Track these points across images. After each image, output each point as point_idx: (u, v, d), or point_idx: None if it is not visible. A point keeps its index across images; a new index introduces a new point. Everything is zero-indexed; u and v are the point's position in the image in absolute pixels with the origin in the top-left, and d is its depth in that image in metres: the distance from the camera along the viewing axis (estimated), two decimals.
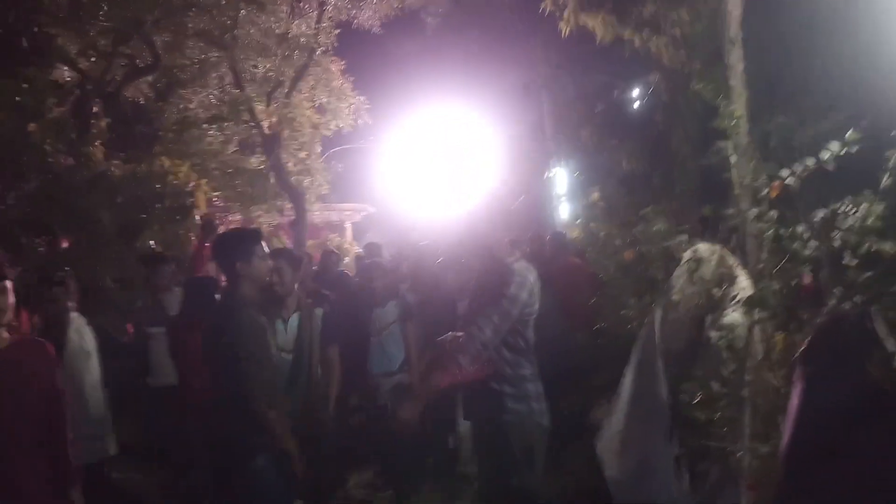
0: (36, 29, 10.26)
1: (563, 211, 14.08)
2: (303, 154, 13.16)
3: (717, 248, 3.60)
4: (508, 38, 15.92)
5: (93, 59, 10.82)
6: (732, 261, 3.53)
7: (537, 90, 15.54)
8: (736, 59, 5.13)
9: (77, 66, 10.75)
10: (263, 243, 3.47)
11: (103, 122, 8.24)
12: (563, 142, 9.07)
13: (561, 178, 13.58)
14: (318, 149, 13.74)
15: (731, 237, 4.81)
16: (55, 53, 10.50)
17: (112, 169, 7.51)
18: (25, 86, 7.73)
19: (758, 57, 5.33)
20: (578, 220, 7.41)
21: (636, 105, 7.71)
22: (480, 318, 3.13)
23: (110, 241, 7.09)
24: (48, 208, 7.10)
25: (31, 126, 6.75)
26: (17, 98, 6.99)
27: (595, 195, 7.17)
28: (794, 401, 2.01)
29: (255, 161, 13.09)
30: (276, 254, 4.36)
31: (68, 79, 10.85)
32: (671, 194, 6.02)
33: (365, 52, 15.34)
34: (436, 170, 18.04)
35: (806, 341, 2.04)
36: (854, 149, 2.67)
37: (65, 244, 7.37)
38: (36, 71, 7.49)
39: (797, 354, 2.09)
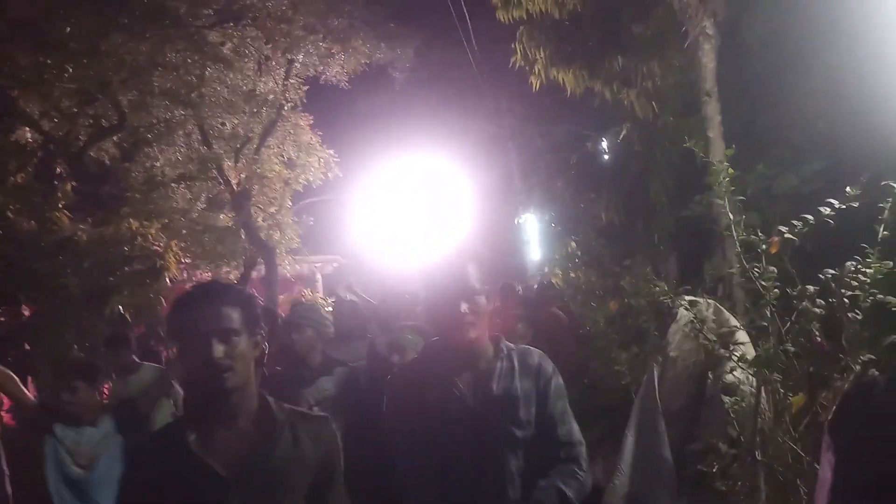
0: None
1: (534, 255, 14.14)
2: (273, 209, 13.03)
3: (712, 302, 3.56)
4: (475, 91, 16.17)
5: (56, 120, 10.64)
6: (728, 315, 3.48)
7: (504, 141, 15.73)
8: (713, 112, 5.21)
9: (40, 128, 10.54)
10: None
11: (68, 185, 8.02)
12: (536, 191, 9.10)
13: (530, 225, 13.66)
14: (288, 203, 13.62)
15: (717, 288, 4.80)
16: (17, 115, 10.30)
17: (78, 233, 7.28)
18: None
19: (731, 107, 5.43)
20: (556, 270, 7.38)
21: (607, 156, 7.78)
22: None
23: (77, 307, 6.84)
24: (11, 275, 6.85)
25: None
26: None
27: (572, 244, 7.16)
28: (826, 474, 1.92)
29: (225, 218, 12.90)
30: None
31: (30, 140, 10.64)
32: (651, 244, 6.02)
33: (333, 106, 15.42)
34: (406, 219, 18.08)
35: (833, 410, 1.96)
36: (856, 204, 2.65)
37: (27, 312, 7.09)
38: (5, 140, 7.30)
39: (825, 423, 2.00)
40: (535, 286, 7.28)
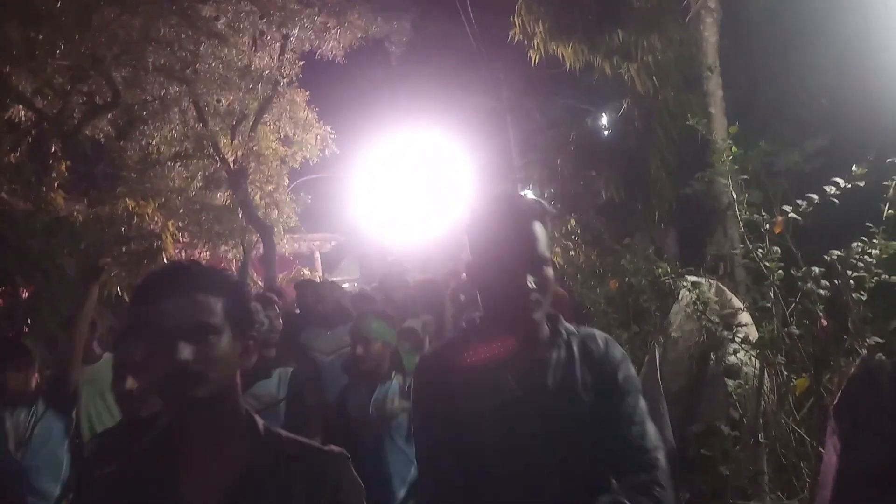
0: None
1: None
2: (270, 187, 12.94)
3: (714, 283, 3.52)
4: (472, 65, 15.99)
5: (49, 97, 10.51)
6: (730, 296, 3.45)
7: (502, 115, 15.60)
8: (715, 86, 5.13)
9: (33, 105, 10.42)
10: None
11: (63, 165, 7.94)
12: (535, 168, 9.02)
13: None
14: (286, 181, 13.53)
15: (718, 267, 4.76)
16: (10, 92, 10.17)
17: (74, 213, 7.22)
18: None
19: (733, 82, 5.35)
20: (556, 248, 7.33)
21: (607, 132, 7.69)
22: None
23: (73, 288, 6.79)
24: (6, 255, 6.81)
25: None
26: None
27: (572, 222, 7.11)
28: (831, 458, 1.90)
29: (222, 196, 12.82)
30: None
31: (23, 118, 10.52)
32: (651, 222, 5.97)
33: (329, 81, 15.26)
34: (405, 195, 18.01)
35: (838, 394, 1.93)
36: (861, 183, 2.60)
37: (25, 294, 7.06)
38: None
39: (831, 408, 1.97)
40: None
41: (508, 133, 16.34)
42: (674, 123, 5.91)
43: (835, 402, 1.94)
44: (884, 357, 1.81)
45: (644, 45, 6.24)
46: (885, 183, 2.91)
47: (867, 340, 2.20)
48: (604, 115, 8.77)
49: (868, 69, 4.56)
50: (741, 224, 2.93)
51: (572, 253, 6.52)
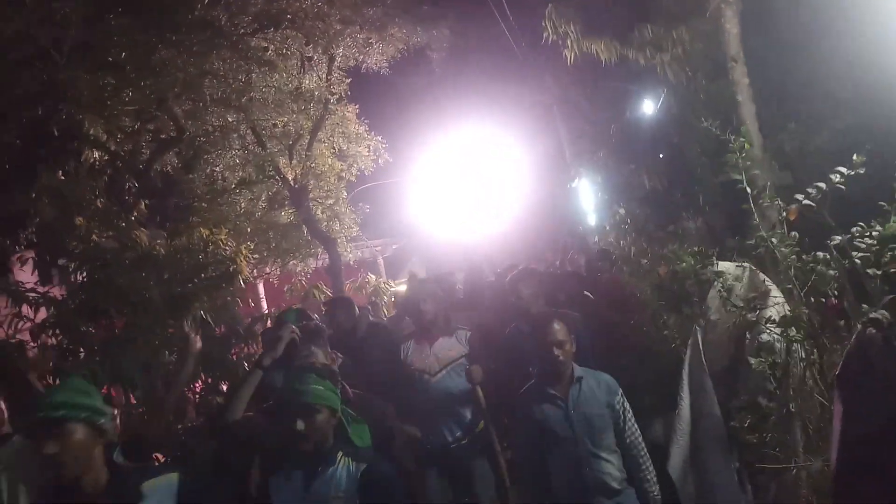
0: (64, 116, 10.74)
1: (591, 221, 14.26)
2: (330, 201, 13.50)
3: (746, 267, 3.75)
4: (514, 62, 16.22)
5: (119, 138, 11.26)
6: (762, 278, 3.68)
7: (549, 108, 15.77)
8: (740, 75, 5.31)
9: (107, 148, 11.19)
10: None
11: (143, 203, 8.60)
12: (583, 159, 9.23)
13: (585, 190, 13.76)
14: (344, 194, 14.08)
15: (754, 249, 4.95)
16: (85, 138, 10.96)
17: (156, 247, 7.83)
18: (63, 178, 8.14)
19: (761, 69, 5.49)
20: (607, 236, 7.56)
21: (647, 119, 7.85)
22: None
23: (162, 317, 7.38)
24: (98, 293, 7.42)
25: (80, 220, 7.10)
26: (62, 192, 7.36)
27: (620, 212, 7.33)
28: (836, 423, 2.16)
29: (285, 214, 13.45)
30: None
31: (98, 161, 11.31)
32: (696, 208, 6.16)
33: (376, 93, 15.73)
34: (462, 194, 18.37)
35: (839, 365, 2.19)
36: (862, 170, 2.82)
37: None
38: (76, 162, 7.86)
39: (834, 376, 2.24)
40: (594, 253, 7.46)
41: (557, 124, 16.53)
42: (708, 111, 6.05)
43: (836, 373, 2.21)
44: (874, 331, 2.07)
45: (673, 38, 6.42)
46: None
47: (870, 315, 2.43)
48: (644, 99, 8.89)
49: (888, 41, 4.66)
50: (756, 215, 3.17)
51: (622, 242, 6.75)
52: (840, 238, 2.76)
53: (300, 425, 2.69)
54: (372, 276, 16.76)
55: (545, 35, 7.84)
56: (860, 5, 4.86)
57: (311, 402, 2.75)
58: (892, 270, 2.52)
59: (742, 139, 3.30)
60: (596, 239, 7.80)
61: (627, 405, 3.93)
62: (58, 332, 6.81)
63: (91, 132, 11.09)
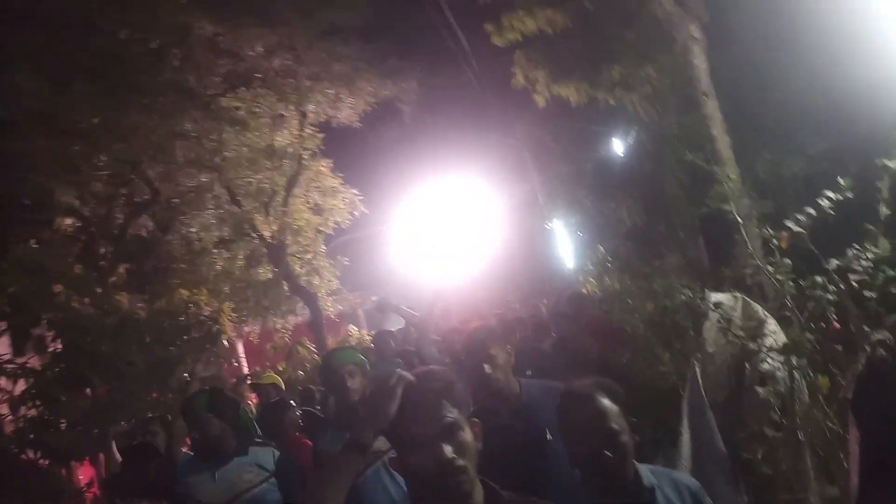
0: (31, 185, 10.64)
1: (568, 264, 14.33)
2: (308, 256, 13.46)
3: (739, 296, 3.78)
4: (482, 108, 16.47)
5: (92, 204, 11.18)
6: (756, 308, 3.70)
7: (519, 151, 15.99)
8: (713, 109, 5.44)
9: (80, 214, 11.10)
10: None
11: (122, 268, 8.51)
12: (559, 200, 9.33)
13: (561, 232, 13.87)
14: (322, 248, 14.04)
15: (745, 277, 5.00)
16: (57, 206, 10.86)
17: (136, 310, 7.72)
18: (37, 247, 8.05)
19: (732, 99, 5.63)
20: (590, 278, 7.58)
21: (622, 157, 7.98)
22: None
23: (146, 381, 7.24)
24: (78, 360, 7.27)
25: (57, 287, 6.99)
26: (35, 261, 7.25)
27: (601, 250, 7.38)
28: (853, 447, 2.15)
29: (264, 271, 13.36)
30: None
31: (71, 227, 11.19)
32: (677, 241, 6.22)
33: (349, 146, 15.83)
34: (438, 242, 18.37)
35: (851, 389, 2.19)
36: (850, 195, 2.88)
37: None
38: (49, 230, 7.77)
39: (847, 401, 2.24)
40: (567, 298, 7.45)
41: (528, 167, 16.73)
42: (681, 145, 6.19)
43: (850, 398, 2.20)
44: (884, 353, 2.08)
45: (642, 76, 6.58)
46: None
47: (873, 336, 2.45)
48: (616, 138, 9.06)
49: (860, 67, 4.80)
50: (748, 244, 3.21)
51: (607, 280, 6.78)
52: (837, 262, 2.79)
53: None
54: (354, 328, 16.64)
55: (514, 81, 7.99)
56: (829, 30, 5.01)
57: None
58: (894, 291, 2.55)
59: (725, 169, 3.35)
60: (578, 280, 7.82)
61: None
62: (38, 402, 6.63)
63: (63, 199, 11.04)
